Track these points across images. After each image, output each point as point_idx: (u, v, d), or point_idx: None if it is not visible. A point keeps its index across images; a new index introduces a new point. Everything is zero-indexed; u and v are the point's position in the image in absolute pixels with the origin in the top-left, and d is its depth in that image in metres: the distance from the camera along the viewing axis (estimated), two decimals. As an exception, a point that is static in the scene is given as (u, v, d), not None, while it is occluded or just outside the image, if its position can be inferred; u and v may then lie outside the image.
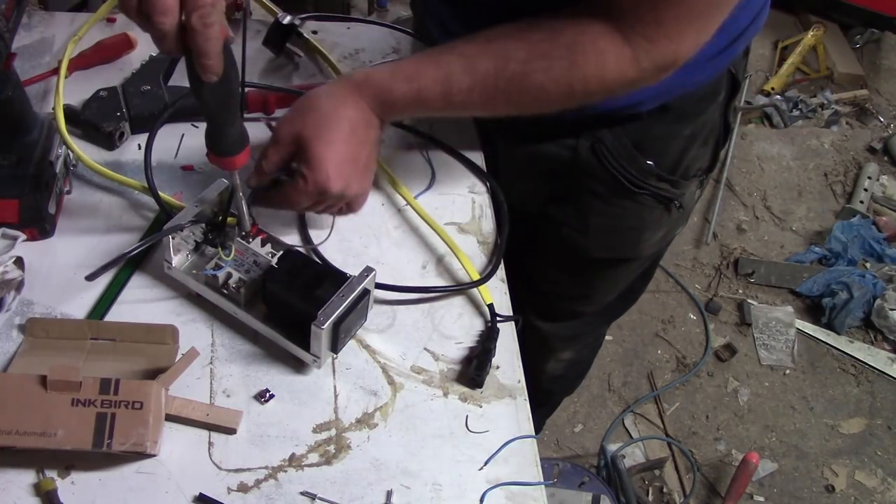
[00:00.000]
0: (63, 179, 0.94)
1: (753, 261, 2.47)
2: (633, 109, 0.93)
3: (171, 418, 0.77)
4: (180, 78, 1.08)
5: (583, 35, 0.78)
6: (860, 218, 2.55)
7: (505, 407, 0.83)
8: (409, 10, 2.09)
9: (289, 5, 1.17)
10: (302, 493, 0.75)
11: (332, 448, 0.78)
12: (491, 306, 0.89)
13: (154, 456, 0.74)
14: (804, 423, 2.16)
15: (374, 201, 0.99)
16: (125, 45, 1.12)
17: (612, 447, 2.01)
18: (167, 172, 0.99)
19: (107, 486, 0.73)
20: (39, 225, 0.89)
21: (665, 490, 1.99)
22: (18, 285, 0.85)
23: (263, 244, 0.87)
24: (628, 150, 0.97)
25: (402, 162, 1.03)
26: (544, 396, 1.61)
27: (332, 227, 0.91)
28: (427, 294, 0.91)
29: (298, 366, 0.83)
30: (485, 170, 1.04)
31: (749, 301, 2.38)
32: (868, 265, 2.46)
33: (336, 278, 0.81)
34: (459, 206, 1.01)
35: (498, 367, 0.86)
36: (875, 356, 2.29)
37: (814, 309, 2.39)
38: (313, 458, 0.77)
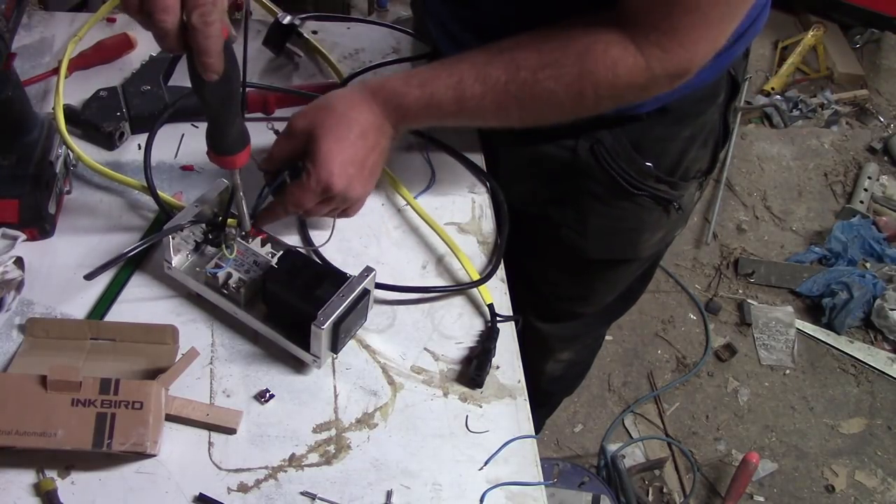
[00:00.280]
0: (63, 179, 0.94)
1: (753, 261, 2.47)
2: (633, 111, 0.93)
3: (171, 418, 0.77)
4: (180, 78, 1.08)
5: (595, 43, 0.79)
6: (860, 218, 2.55)
7: (505, 407, 0.83)
8: (409, 10, 2.09)
9: (289, 5, 1.17)
10: (302, 493, 0.75)
11: (332, 448, 0.78)
12: (491, 306, 0.89)
13: (154, 456, 0.74)
14: (804, 423, 2.16)
15: (374, 201, 0.99)
16: (125, 45, 1.12)
17: (612, 447, 2.01)
18: (167, 172, 0.99)
19: (107, 486, 0.73)
20: (39, 225, 0.89)
21: (665, 490, 1.99)
22: (18, 285, 0.85)
23: (263, 244, 0.87)
24: (627, 151, 0.97)
25: (402, 162, 1.03)
26: (544, 397, 1.61)
27: (332, 229, 0.91)
28: (427, 294, 0.91)
29: (298, 366, 0.83)
30: (485, 170, 1.04)
31: (749, 301, 2.38)
32: (868, 265, 2.46)
33: (336, 278, 0.81)
34: (459, 206, 1.01)
35: (498, 367, 0.86)
36: (875, 356, 2.29)
37: (814, 309, 2.39)
38: (313, 458, 0.77)
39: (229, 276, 0.84)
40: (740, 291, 2.42)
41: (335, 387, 0.83)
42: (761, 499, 2.00)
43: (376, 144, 0.86)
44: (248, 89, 1.03)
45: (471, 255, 0.95)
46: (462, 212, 1.00)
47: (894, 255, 2.47)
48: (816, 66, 3.12)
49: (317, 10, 1.27)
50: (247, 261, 0.85)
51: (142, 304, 0.87)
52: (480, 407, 0.83)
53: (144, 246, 0.84)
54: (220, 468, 0.76)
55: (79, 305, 0.85)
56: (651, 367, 2.22)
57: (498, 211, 1.00)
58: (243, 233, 0.86)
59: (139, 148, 1.01)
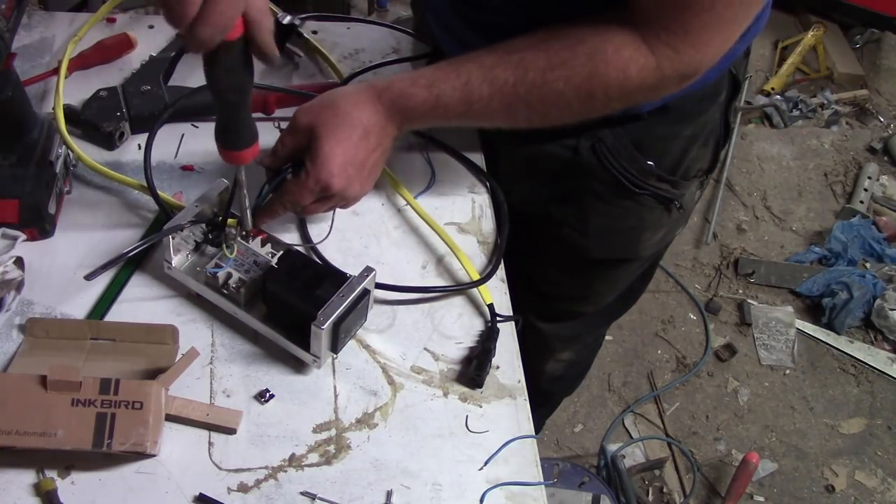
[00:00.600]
0: (63, 179, 0.94)
1: (753, 261, 2.47)
2: (634, 110, 0.93)
3: (171, 418, 0.77)
4: (180, 78, 1.08)
5: (605, 44, 0.78)
6: (860, 218, 2.55)
7: (505, 407, 0.83)
8: (409, 10, 2.09)
9: (289, 5, 1.17)
10: (302, 493, 0.75)
11: (332, 448, 0.78)
12: (491, 306, 0.89)
13: (154, 456, 0.74)
14: (804, 423, 2.16)
15: (374, 201, 0.99)
16: (125, 45, 1.12)
17: (612, 447, 2.01)
18: (167, 172, 0.99)
19: (107, 486, 0.73)
20: (39, 225, 0.89)
21: (665, 490, 1.99)
22: (18, 285, 0.85)
23: (263, 244, 0.87)
24: (629, 150, 0.97)
25: (402, 162, 1.03)
26: (544, 397, 1.61)
27: (331, 225, 0.91)
28: (427, 294, 0.91)
29: (298, 366, 0.83)
30: (485, 170, 1.04)
31: (749, 301, 2.38)
32: (868, 265, 2.46)
33: (336, 278, 0.81)
34: (459, 206, 1.01)
35: (498, 367, 0.86)
36: (875, 356, 2.29)
37: (814, 309, 2.39)
38: (313, 458, 0.77)
39: (229, 276, 0.84)
40: (740, 291, 2.42)
41: (335, 387, 0.83)
42: (761, 499, 2.00)
43: (378, 145, 0.86)
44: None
45: (471, 255, 0.94)
46: (462, 212, 1.00)
47: (894, 255, 2.47)
48: (816, 66, 3.12)
49: (317, 10, 1.27)
50: (247, 261, 0.85)
51: (142, 304, 0.87)
52: (480, 407, 0.83)
53: (144, 246, 0.84)
54: (220, 468, 0.76)
55: (79, 305, 0.85)
56: (651, 367, 2.22)
57: (498, 211, 1.00)
58: (244, 232, 0.86)
59: (139, 148, 1.01)
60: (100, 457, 0.74)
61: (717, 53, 0.79)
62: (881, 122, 3.01)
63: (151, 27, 1.16)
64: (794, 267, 2.46)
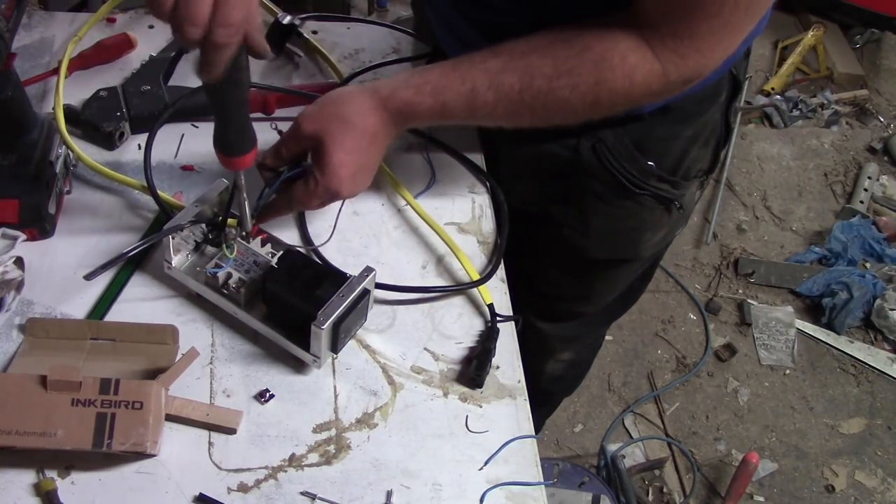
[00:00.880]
0: (63, 179, 0.94)
1: (753, 261, 2.47)
2: (635, 111, 0.93)
3: (171, 418, 0.77)
4: (180, 78, 1.08)
5: (611, 51, 0.78)
6: (860, 218, 2.55)
7: (505, 407, 0.83)
8: (409, 10, 2.09)
9: (289, 5, 1.17)
10: (302, 493, 0.75)
11: (332, 448, 0.78)
12: (491, 306, 0.89)
13: (154, 456, 0.74)
14: (804, 423, 2.16)
15: (374, 201, 0.99)
16: (125, 45, 1.12)
17: (612, 447, 2.01)
18: (167, 172, 0.99)
19: (107, 486, 0.73)
20: (39, 225, 0.89)
21: (665, 490, 1.99)
22: (18, 285, 0.85)
23: (263, 244, 0.87)
24: (629, 150, 0.97)
25: (402, 162, 1.03)
26: (544, 397, 1.61)
27: (333, 230, 0.91)
28: (427, 294, 0.91)
29: (298, 366, 0.83)
30: (485, 170, 1.04)
31: (749, 301, 2.38)
32: (868, 265, 2.46)
33: (336, 278, 0.81)
34: (459, 206, 1.01)
35: (498, 367, 0.86)
36: (875, 356, 2.29)
37: (814, 309, 2.39)
38: (313, 458, 0.77)
39: (229, 276, 0.83)
40: (740, 291, 2.42)
41: (335, 387, 0.83)
42: (761, 499, 2.00)
43: (382, 147, 0.86)
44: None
45: (471, 255, 0.94)
46: (462, 212, 1.00)
47: (894, 255, 2.47)
48: (816, 66, 3.12)
49: (317, 10, 1.27)
50: (247, 261, 0.85)
51: (142, 304, 0.87)
52: (480, 407, 0.83)
53: (144, 246, 0.84)
54: (220, 468, 0.76)
55: (79, 305, 0.85)
56: (651, 367, 2.22)
57: (498, 211, 1.00)
58: (244, 233, 0.86)
59: (139, 148, 1.01)
60: (100, 457, 0.74)
61: (721, 58, 0.79)
62: (881, 122, 3.01)
63: (151, 27, 1.16)
64: (794, 267, 2.46)
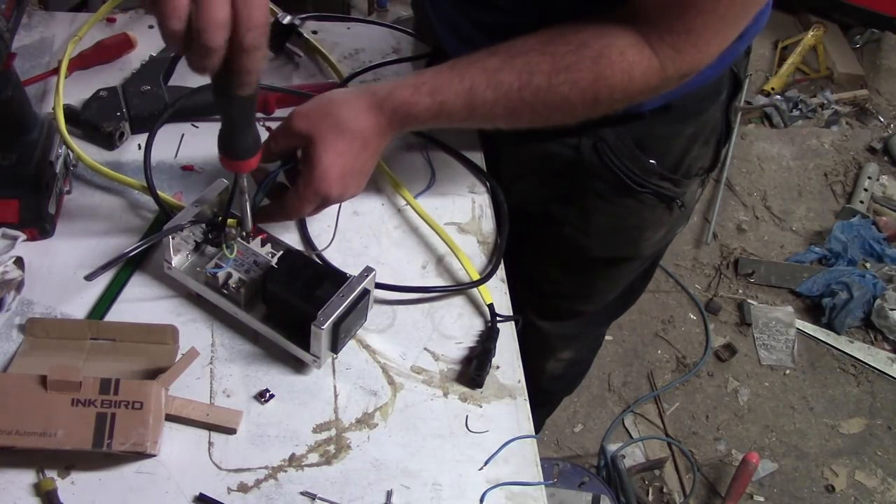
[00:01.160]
0: (63, 179, 0.94)
1: (753, 261, 2.47)
2: (636, 109, 0.93)
3: (171, 418, 0.77)
4: (180, 78, 1.08)
5: (609, 48, 0.78)
6: (860, 218, 2.55)
7: (505, 407, 0.83)
8: (409, 10, 2.09)
9: (289, 5, 1.17)
10: (302, 493, 0.75)
11: (332, 448, 0.78)
12: (491, 306, 0.89)
13: (154, 456, 0.74)
14: (804, 423, 2.16)
15: (374, 201, 0.99)
16: (125, 45, 1.12)
17: (612, 447, 2.01)
18: (167, 172, 0.99)
19: (107, 486, 0.73)
20: (39, 225, 0.89)
21: (665, 490, 1.99)
22: (18, 285, 0.85)
23: (263, 244, 0.87)
24: (630, 149, 0.97)
25: (402, 162, 1.03)
26: (544, 396, 1.61)
27: (333, 234, 0.91)
28: (427, 294, 0.91)
29: (298, 366, 0.83)
30: (485, 170, 1.04)
31: (749, 301, 2.38)
32: (868, 265, 2.46)
33: (336, 278, 0.81)
34: (459, 206, 1.01)
35: (498, 367, 0.86)
36: (875, 356, 2.29)
37: (814, 309, 2.39)
38: (313, 458, 0.77)
39: (229, 276, 0.83)
40: (740, 291, 2.42)
41: (335, 387, 0.83)
42: (761, 499, 2.00)
43: (376, 151, 0.85)
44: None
45: (471, 255, 0.94)
46: (462, 212, 1.00)
47: (894, 255, 2.47)
48: (816, 66, 3.12)
49: (317, 10, 1.27)
50: (247, 261, 0.85)
51: (142, 304, 0.87)
52: (480, 407, 0.83)
53: (144, 246, 0.84)
54: (220, 468, 0.76)
55: (79, 305, 0.85)
56: (651, 367, 2.22)
57: (498, 211, 1.00)
58: (244, 233, 0.86)
59: (139, 148, 1.01)
60: (100, 457, 0.74)
61: (717, 52, 0.79)
62: (881, 122, 3.01)
63: (151, 27, 1.16)
64: (794, 267, 2.46)
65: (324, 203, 0.85)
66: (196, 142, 1.03)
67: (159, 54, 1.10)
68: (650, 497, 1.97)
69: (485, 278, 0.91)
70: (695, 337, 2.31)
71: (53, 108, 0.97)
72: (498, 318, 0.89)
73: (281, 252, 0.85)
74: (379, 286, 0.88)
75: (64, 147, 0.94)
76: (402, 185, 0.99)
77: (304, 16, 1.17)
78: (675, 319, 2.34)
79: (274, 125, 1.05)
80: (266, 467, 0.76)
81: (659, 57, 0.78)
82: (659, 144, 0.98)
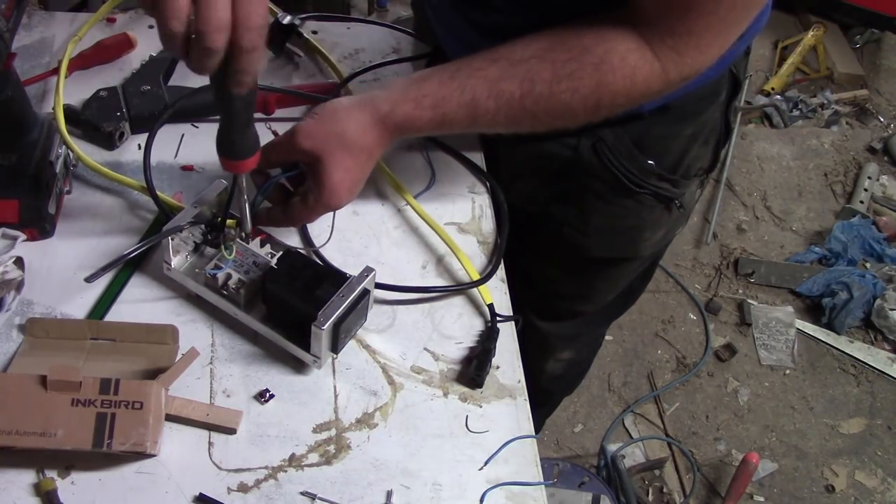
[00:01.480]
0: (63, 179, 0.94)
1: (753, 261, 2.47)
2: (635, 109, 0.93)
3: (171, 418, 0.77)
4: (180, 78, 1.08)
5: (611, 53, 0.78)
6: (860, 218, 2.55)
7: (505, 407, 0.83)
8: (409, 10, 2.09)
9: (289, 5, 1.17)
10: (302, 493, 0.75)
11: (332, 448, 0.78)
12: (491, 306, 0.89)
13: (154, 456, 0.74)
14: (804, 423, 2.16)
15: (374, 201, 0.99)
16: (125, 45, 1.12)
17: (612, 447, 2.01)
18: (167, 172, 0.99)
19: (107, 486, 0.73)
20: (39, 225, 0.89)
21: (665, 490, 1.99)
22: (18, 285, 0.85)
23: (263, 244, 0.87)
24: (629, 149, 0.97)
25: (402, 162, 1.03)
26: (544, 396, 1.61)
27: (331, 230, 0.91)
28: (427, 294, 0.91)
29: (298, 366, 0.83)
30: (485, 170, 1.04)
31: (749, 301, 2.38)
32: (868, 265, 2.46)
33: (336, 278, 0.81)
34: (459, 206, 1.01)
35: (498, 367, 0.86)
36: (875, 356, 2.29)
37: (814, 309, 2.39)
38: (313, 458, 0.77)
39: (229, 276, 0.83)
40: (740, 291, 2.42)
41: (335, 387, 0.83)
42: (761, 499, 2.00)
43: (377, 158, 0.87)
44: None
45: (471, 255, 0.94)
46: (462, 212, 1.00)
47: (894, 255, 2.47)
48: (816, 66, 3.12)
49: (317, 10, 1.27)
50: (246, 261, 0.85)
51: (142, 304, 0.87)
52: (480, 407, 0.83)
53: (144, 248, 0.84)
54: (220, 468, 0.76)
55: (79, 305, 0.85)
56: (651, 367, 2.22)
57: (498, 211, 1.00)
58: (243, 234, 0.86)
59: (139, 148, 1.01)
60: (100, 457, 0.74)
61: (718, 53, 0.79)
62: (881, 122, 3.01)
63: (151, 27, 1.16)
64: (794, 267, 2.46)
65: (331, 212, 0.86)
66: (196, 142, 1.03)
67: (159, 54, 1.10)
68: (650, 497, 1.97)
69: (485, 278, 0.91)
70: (695, 337, 2.31)
71: (53, 108, 0.97)
72: (498, 318, 0.89)
73: (280, 252, 0.85)
74: (379, 286, 0.88)
75: (64, 147, 0.94)
76: (402, 185, 0.99)
77: (304, 16, 1.17)
78: (675, 319, 2.34)
79: (274, 125, 1.06)
80: (266, 467, 0.76)
81: (661, 60, 0.78)
82: (657, 145, 0.98)
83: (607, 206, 1.03)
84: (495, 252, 0.96)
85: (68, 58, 1.06)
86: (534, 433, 0.82)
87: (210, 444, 0.77)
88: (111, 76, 1.08)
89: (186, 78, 1.08)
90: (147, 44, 1.13)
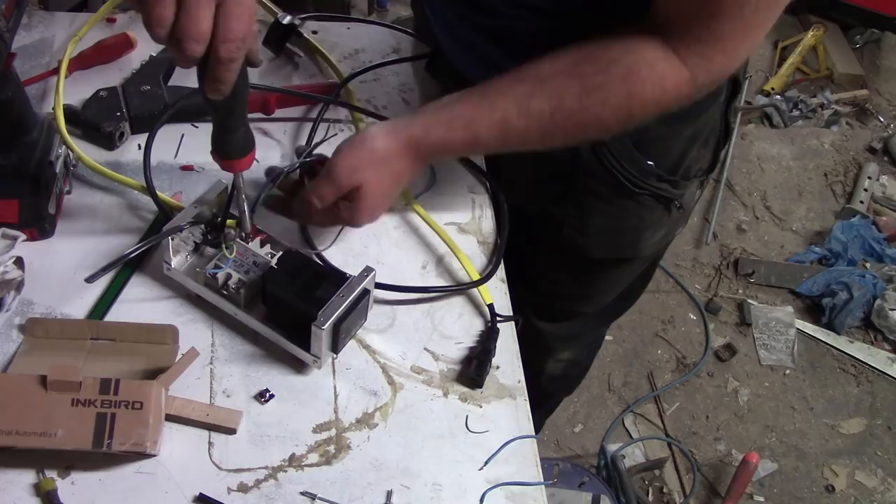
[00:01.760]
0: (63, 179, 0.94)
1: (753, 261, 2.47)
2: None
3: (171, 418, 0.77)
4: (180, 78, 1.08)
5: (638, 63, 0.78)
6: (860, 218, 2.56)
7: (505, 407, 0.83)
8: (409, 10, 2.08)
9: (289, 5, 1.17)
10: (302, 493, 0.75)
11: (332, 448, 0.78)
12: (491, 306, 0.89)
13: (154, 456, 0.74)
14: (804, 423, 2.16)
15: (374, 201, 0.99)
16: (125, 45, 1.12)
17: (612, 447, 2.01)
18: (167, 172, 0.99)
19: (107, 486, 0.73)
20: (39, 225, 0.89)
21: (665, 490, 1.99)
22: (18, 285, 0.85)
23: (263, 244, 0.87)
24: (629, 150, 0.97)
25: (402, 162, 1.03)
26: (544, 396, 1.61)
27: (337, 235, 0.92)
28: (427, 294, 0.91)
29: (298, 366, 0.83)
30: (485, 170, 1.04)
31: (749, 301, 2.38)
32: (868, 265, 2.46)
33: (336, 278, 0.81)
34: (459, 206, 1.01)
35: (498, 367, 0.86)
36: (875, 356, 2.29)
37: (814, 309, 2.39)
38: (313, 458, 0.77)
39: (229, 276, 0.83)
40: (740, 291, 2.42)
41: (335, 387, 0.83)
42: (761, 499, 2.00)
43: (407, 183, 0.89)
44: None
45: (471, 255, 0.95)
46: (462, 212, 1.00)
47: (894, 255, 2.47)
48: (816, 66, 3.13)
49: (317, 10, 1.27)
50: (246, 261, 0.85)
51: (142, 304, 0.87)
52: (480, 407, 0.83)
53: (144, 248, 0.84)
54: (220, 468, 0.76)
55: (79, 305, 0.85)
56: (651, 367, 2.22)
57: (498, 211, 1.00)
58: (244, 234, 0.86)
59: (139, 148, 1.01)
60: (100, 457, 0.74)
61: (745, 56, 0.80)
62: (881, 122, 3.01)
63: (151, 27, 1.16)
64: (794, 267, 2.46)
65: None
66: (196, 142, 1.03)
67: (159, 54, 1.10)
68: (650, 497, 1.97)
69: (485, 278, 0.91)
70: (695, 337, 2.31)
71: (53, 108, 0.97)
72: (498, 319, 0.89)
73: (280, 252, 0.85)
74: (379, 286, 0.88)
75: (64, 147, 0.94)
76: (402, 185, 0.99)
77: (304, 16, 1.17)
78: (675, 319, 2.34)
79: (274, 125, 1.06)
80: (266, 467, 0.76)
81: (688, 66, 0.78)
82: (657, 146, 0.98)
83: (607, 206, 1.03)
84: (495, 252, 0.96)
85: (68, 58, 1.06)
86: (534, 433, 0.82)
87: (210, 444, 0.77)
88: (111, 76, 1.08)
89: (186, 78, 1.08)
90: (147, 44, 1.13)
